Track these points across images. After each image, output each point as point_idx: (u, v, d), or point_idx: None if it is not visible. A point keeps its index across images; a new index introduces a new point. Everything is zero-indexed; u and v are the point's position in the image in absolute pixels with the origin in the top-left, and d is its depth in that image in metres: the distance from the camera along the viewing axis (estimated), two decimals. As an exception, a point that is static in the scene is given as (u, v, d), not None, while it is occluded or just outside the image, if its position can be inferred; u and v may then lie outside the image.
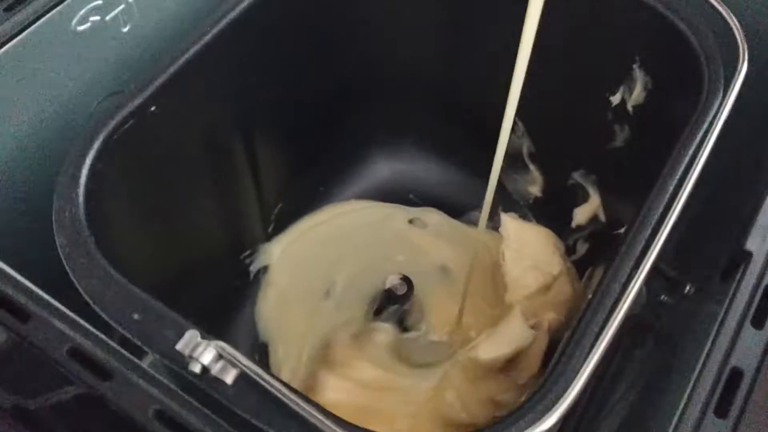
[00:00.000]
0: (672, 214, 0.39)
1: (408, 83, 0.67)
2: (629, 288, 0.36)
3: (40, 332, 0.34)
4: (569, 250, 0.66)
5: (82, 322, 0.35)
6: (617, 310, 0.35)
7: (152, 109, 0.46)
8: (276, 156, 0.64)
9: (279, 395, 0.34)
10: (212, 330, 0.60)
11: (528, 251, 0.59)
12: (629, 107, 0.56)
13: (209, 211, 0.57)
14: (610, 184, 0.61)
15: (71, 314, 0.35)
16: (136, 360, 0.34)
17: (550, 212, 0.68)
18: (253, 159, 0.60)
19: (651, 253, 0.37)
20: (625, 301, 0.35)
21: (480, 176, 0.70)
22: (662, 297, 0.57)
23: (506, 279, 0.57)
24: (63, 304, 0.36)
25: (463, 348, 0.57)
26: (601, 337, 0.34)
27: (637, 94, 0.54)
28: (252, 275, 0.66)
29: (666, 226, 0.38)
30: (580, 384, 0.33)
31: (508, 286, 0.57)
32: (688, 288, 0.51)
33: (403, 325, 0.61)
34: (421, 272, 0.63)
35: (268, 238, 0.67)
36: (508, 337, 0.53)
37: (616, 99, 0.56)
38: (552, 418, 0.33)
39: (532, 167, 0.67)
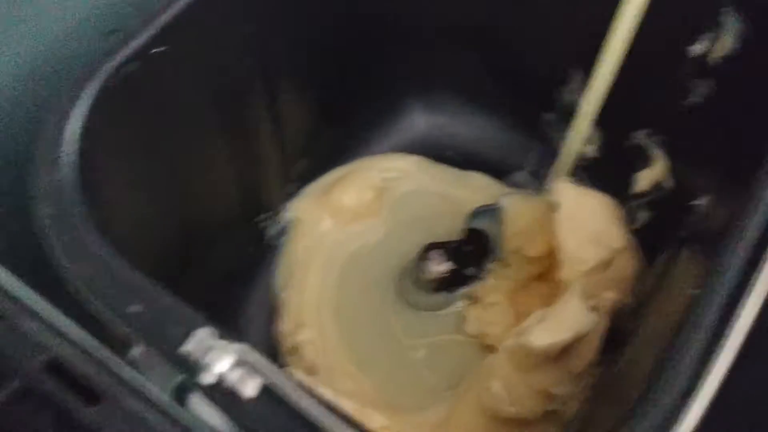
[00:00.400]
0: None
1: (450, 25, 0.59)
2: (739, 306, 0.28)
3: (7, 339, 0.26)
4: (627, 219, 0.59)
5: (63, 324, 0.27)
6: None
7: (157, 50, 0.39)
8: (299, 105, 0.57)
9: (312, 416, 0.27)
10: (223, 302, 0.55)
11: (586, 222, 0.51)
12: (714, 59, 0.47)
13: (222, 170, 0.50)
14: (680, 147, 0.54)
15: (51, 313, 0.27)
16: (131, 374, 0.26)
17: (606, 175, 0.60)
18: (273, 108, 0.53)
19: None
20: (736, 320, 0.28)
21: (527, 134, 0.63)
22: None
23: (561, 254, 0.50)
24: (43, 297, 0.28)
25: (512, 330, 0.50)
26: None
27: (725, 44, 0.46)
28: (268, 240, 0.58)
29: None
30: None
31: (563, 261, 0.50)
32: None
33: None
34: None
35: (288, 197, 0.60)
36: (565, 321, 0.46)
37: (697, 49, 0.48)
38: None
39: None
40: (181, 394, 0.36)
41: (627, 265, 0.51)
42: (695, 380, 0.29)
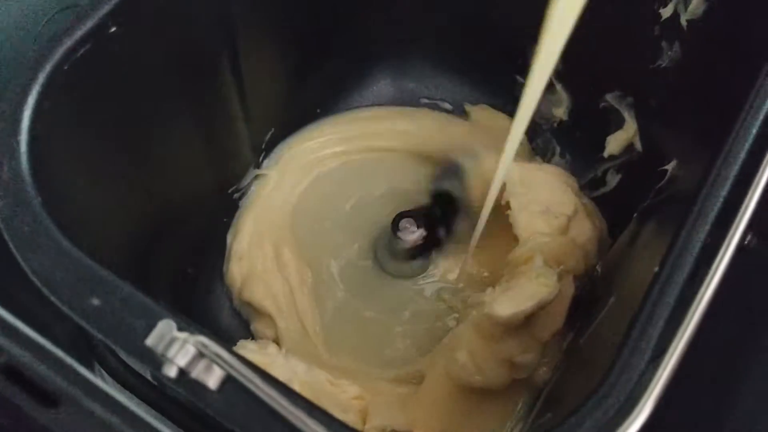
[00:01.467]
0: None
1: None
2: (713, 266, 0.29)
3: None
4: (598, 182, 0.59)
5: (21, 326, 0.27)
6: (699, 296, 0.28)
7: (113, 29, 0.37)
8: (265, 73, 0.55)
9: (275, 404, 0.27)
10: (198, 272, 0.54)
11: (535, 195, 0.51)
12: (683, 21, 0.47)
13: (190, 145, 0.49)
14: (651, 109, 0.53)
15: (6, 315, 0.27)
16: (91, 377, 0.26)
17: (577, 138, 0.60)
18: (238, 78, 0.51)
19: (741, 218, 0.30)
20: (707, 287, 0.28)
21: (501, 99, 0.62)
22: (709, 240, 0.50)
23: (516, 230, 0.50)
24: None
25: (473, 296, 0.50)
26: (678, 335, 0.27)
27: (695, 6, 0.46)
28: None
29: (759, 181, 0.31)
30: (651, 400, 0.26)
31: (519, 237, 0.50)
32: (748, 238, 0.44)
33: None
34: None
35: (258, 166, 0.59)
36: (528, 290, 0.46)
37: (667, 12, 0.48)
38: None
39: (558, 86, 0.59)
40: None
41: (584, 229, 0.51)
42: (662, 348, 0.29)
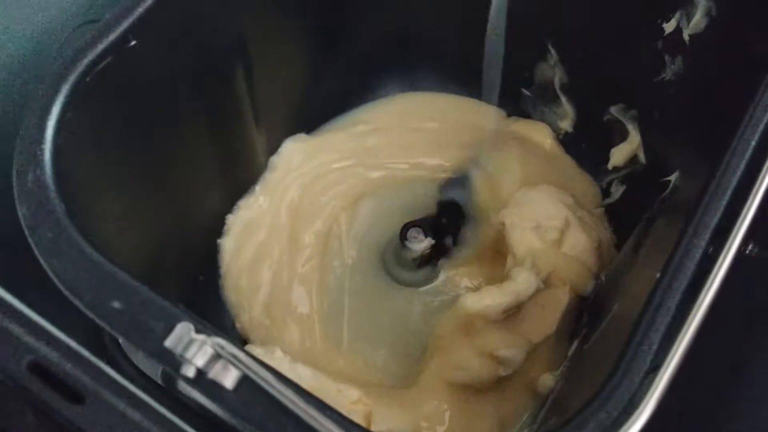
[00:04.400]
0: (766, 172, 0.32)
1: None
2: (712, 273, 0.30)
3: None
4: (603, 194, 0.60)
5: (48, 326, 0.28)
6: (699, 300, 0.29)
7: (133, 43, 0.39)
8: (277, 82, 0.56)
9: (289, 403, 0.28)
10: (209, 284, 0.55)
11: (526, 212, 0.53)
12: (686, 36, 0.48)
13: (203, 154, 0.50)
14: (654, 122, 0.54)
15: (35, 317, 0.28)
16: (114, 375, 0.27)
17: (582, 150, 0.61)
18: (251, 88, 0.52)
19: (738, 227, 0.31)
20: (708, 290, 0.29)
21: (507, 110, 0.64)
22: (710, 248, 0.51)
23: (510, 247, 0.52)
24: (22, 300, 0.29)
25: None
26: (681, 334, 0.28)
27: (697, 21, 0.47)
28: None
29: (758, 190, 0.32)
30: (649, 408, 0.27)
31: (515, 252, 0.51)
32: (750, 247, 0.44)
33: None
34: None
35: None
36: (506, 286, 0.48)
37: (670, 26, 0.49)
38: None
39: (563, 99, 0.60)
40: (169, 377, 0.38)
41: (578, 241, 0.52)
42: (660, 359, 0.30)
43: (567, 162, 0.61)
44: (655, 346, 0.31)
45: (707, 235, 0.33)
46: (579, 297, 0.51)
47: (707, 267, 0.32)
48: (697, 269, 0.32)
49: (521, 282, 0.48)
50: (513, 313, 0.49)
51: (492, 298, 0.47)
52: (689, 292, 0.32)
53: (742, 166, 0.35)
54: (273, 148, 0.59)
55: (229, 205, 0.56)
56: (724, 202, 0.34)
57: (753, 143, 0.35)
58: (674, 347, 0.29)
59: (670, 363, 0.29)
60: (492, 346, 0.47)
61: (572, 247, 0.51)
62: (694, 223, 0.34)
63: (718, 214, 0.34)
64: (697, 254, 0.33)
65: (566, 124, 0.61)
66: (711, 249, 0.33)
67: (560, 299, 0.50)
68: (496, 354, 0.47)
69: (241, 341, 0.52)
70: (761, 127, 0.36)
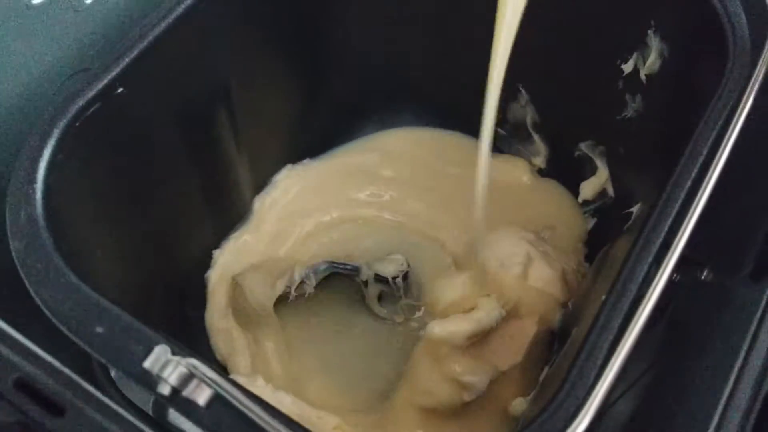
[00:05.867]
0: (700, 199, 0.35)
1: (399, 50, 0.63)
2: (650, 290, 0.32)
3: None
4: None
5: (32, 347, 0.31)
6: (636, 318, 0.32)
7: (120, 90, 0.42)
8: (260, 123, 0.59)
9: (258, 420, 0.31)
10: (198, 319, 0.58)
11: (490, 252, 0.55)
12: (642, 76, 0.51)
13: (189, 193, 0.53)
14: (620, 157, 0.57)
15: (20, 338, 0.31)
16: (93, 390, 0.30)
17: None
18: (234, 129, 0.55)
19: (675, 248, 0.34)
20: (644, 307, 0.32)
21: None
22: (674, 275, 0.53)
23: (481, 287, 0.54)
24: (12, 325, 0.32)
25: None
26: (614, 355, 0.31)
27: (652, 62, 0.50)
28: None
29: (692, 215, 0.35)
30: (594, 405, 0.30)
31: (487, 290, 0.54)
32: (705, 273, 0.47)
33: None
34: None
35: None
36: (470, 315, 0.50)
37: (628, 67, 0.52)
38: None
39: (536, 137, 0.63)
40: (160, 408, 0.40)
41: (542, 274, 0.54)
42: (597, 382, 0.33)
43: (547, 195, 0.64)
44: (599, 362, 0.33)
45: (649, 259, 0.36)
46: (549, 327, 0.53)
47: (646, 290, 0.34)
48: (639, 291, 0.35)
49: (486, 311, 0.50)
50: (480, 342, 0.51)
51: (457, 325, 0.49)
52: (631, 312, 0.34)
53: (682, 195, 0.38)
54: (258, 185, 0.61)
55: (216, 240, 0.58)
56: (665, 229, 0.36)
57: (693, 174, 0.38)
58: (610, 363, 0.31)
59: (604, 381, 0.31)
60: (457, 371, 0.49)
61: (537, 280, 0.53)
62: (638, 248, 0.36)
63: (659, 240, 0.36)
64: (640, 277, 0.35)
65: (539, 161, 0.64)
66: (652, 272, 0.35)
67: (527, 330, 0.52)
68: (461, 379, 0.49)
69: (225, 370, 0.54)
70: (701, 159, 0.39)
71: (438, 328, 0.49)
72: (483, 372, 0.49)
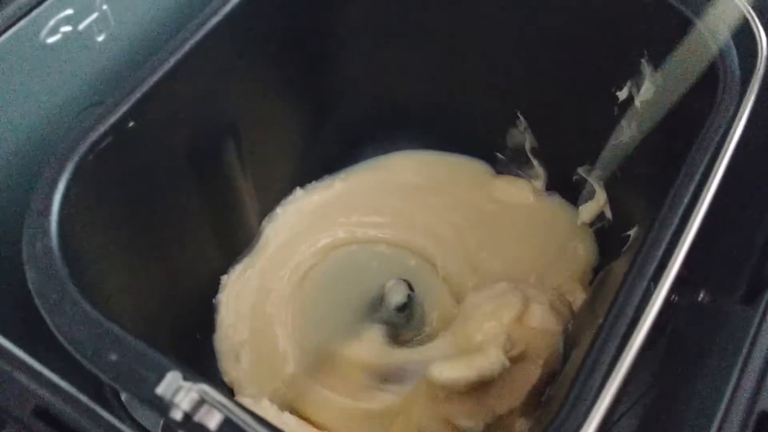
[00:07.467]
0: (694, 221, 0.36)
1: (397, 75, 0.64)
2: (647, 310, 0.33)
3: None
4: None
5: (50, 375, 0.32)
6: (633, 338, 0.33)
7: (131, 124, 0.43)
8: (267, 154, 0.61)
9: (267, 442, 0.32)
10: (206, 341, 0.59)
11: (482, 308, 0.55)
12: (637, 102, 0.53)
13: (198, 222, 0.55)
14: (617, 180, 0.58)
15: (38, 366, 0.32)
16: (111, 418, 0.31)
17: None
18: (241, 159, 0.57)
19: (671, 269, 0.35)
20: (642, 328, 0.33)
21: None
22: (672, 296, 0.54)
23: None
24: (29, 353, 0.33)
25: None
26: (613, 375, 0.32)
27: (646, 90, 0.51)
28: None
29: (687, 237, 0.36)
30: (594, 424, 0.31)
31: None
32: (702, 295, 0.48)
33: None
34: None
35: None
36: (473, 362, 0.49)
37: (623, 94, 0.53)
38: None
39: (535, 162, 0.65)
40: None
41: (535, 315, 0.54)
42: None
43: (553, 212, 0.65)
44: (598, 382, 0.34)
45: (646, 280, 0.37)
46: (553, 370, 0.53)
47: (644, 310, 0.35)
48: (636, 312, 0.36)
49: (490, 360, 0.49)
50: (480, 386, 0.50)
51: (458, 372, 0.48)
52: (629, 332, 0.35)
53: (677, 218, 0.39)
54: (265, 210, 0.63)
55: (224, 265, 0.60)
56: (661, 251, 0.38)
57: (687, 197, 0.39)
58: (609, 383, 0.32)
59: (606, 397, 0.32)
60: (452, 414, 0.49)
61: (534, 321, 0.53)
62: (635, 270, 0.37)
63: (656, 262, 0.37)
64: (637, 298, 0.36)
65: (539, 185, 0.65)
66: (649, 293, 0.36)
67: (530, 375, 0.51)
68: (456, 423, 0.49)
69: (231, 393, 0.56)
70: (694, 182, 0.40)
71: (437, 372, 0.48)
72: (479, 417, 0.49)
